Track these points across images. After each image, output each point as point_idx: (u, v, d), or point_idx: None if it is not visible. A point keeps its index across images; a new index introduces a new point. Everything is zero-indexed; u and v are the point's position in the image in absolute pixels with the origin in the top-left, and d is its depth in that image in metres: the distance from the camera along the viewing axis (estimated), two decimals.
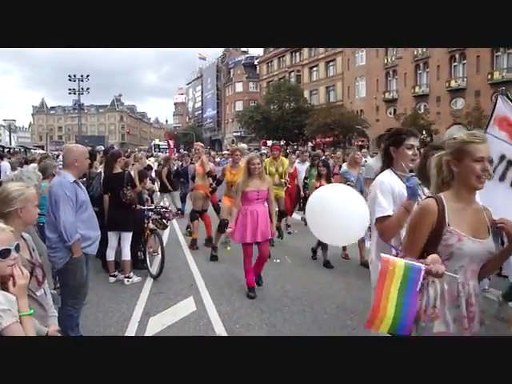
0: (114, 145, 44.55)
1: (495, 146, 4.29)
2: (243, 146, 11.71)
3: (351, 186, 7.06)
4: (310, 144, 45.59)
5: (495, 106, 4.62)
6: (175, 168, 15.02)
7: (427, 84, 40.61)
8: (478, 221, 2.45)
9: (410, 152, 3.26)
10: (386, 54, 43.52)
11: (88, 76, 60.84)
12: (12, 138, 70.03)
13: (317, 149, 32.17)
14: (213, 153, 30.56)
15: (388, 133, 3.64)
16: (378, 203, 3.12)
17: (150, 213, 7.24)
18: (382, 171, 3.39)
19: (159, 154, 42.98)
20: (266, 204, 6.24)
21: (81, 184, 4.55)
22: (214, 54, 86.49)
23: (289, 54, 58.58)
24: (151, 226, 7.19)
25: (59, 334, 2.80)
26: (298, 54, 57.12)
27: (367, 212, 3.31)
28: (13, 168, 11.74)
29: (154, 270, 7.09)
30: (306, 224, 7.98)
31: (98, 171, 7.45)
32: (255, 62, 69.88)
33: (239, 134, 64.70)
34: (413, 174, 2.98)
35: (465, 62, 37.20)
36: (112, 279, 6.83)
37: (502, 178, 4.48)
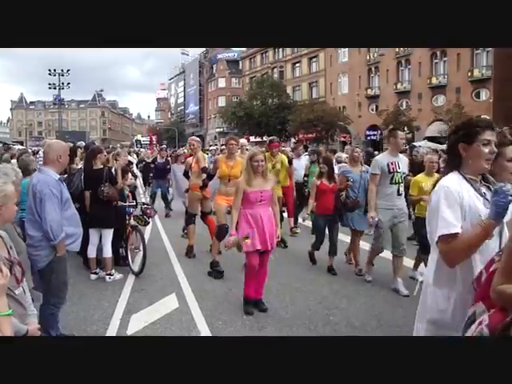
0: (95, 141, 44.08)
1: None
2: (243, 141, 10.72)
3: (352, 184, 7.06)
4: (292, 140, 45.62)
5: None
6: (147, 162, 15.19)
7: (409, 81, 40.96)
8: None
9: (486, 150, 2.50)
10: (369, 51, 43.74)
11: (68, 70, 59.83)
12: None
13: (300, 145, 32.13)
14: None
15: (456, 126, 2.79)
16: (441, 217, 2.46)
17: (132, 209, 7.18)
18: (445, 173, 2.67)
19: (141, 149, 42.65)
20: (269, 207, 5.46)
21: (62, 181, 4.49)
22: (196, 49, 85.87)
23: (272, 50, 58.52)
24: (132, 222, 7.14)
25: (39, 333, 2.77)
26: (280, 50, 57.06)
27: None
28: None
29: (135, 266, 7.04)
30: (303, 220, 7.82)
31: (79, 167, 7.36)
32: (238, 58, 69.72)
33: (222, 129, 64.53)
34: (503, 185, 2.36)
35: (445, 59, 37.61)
36: (93, 276, 6.76)
37: None
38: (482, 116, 28.86)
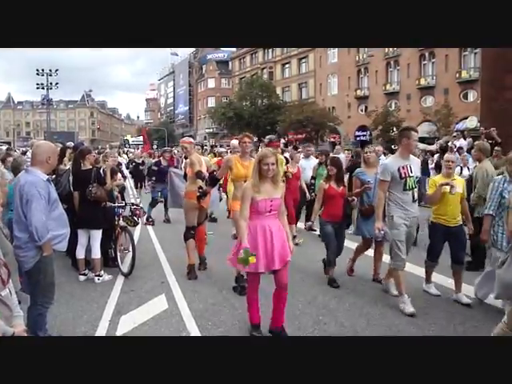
0: (83, 141, 43.77)
1: None
2: (233, 142, 10.11)
3: (371, 187, 6.30)
4: (282, 140, 45.62)
5: None
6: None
7: (398, 82, 41.21)
8: None
9: None
10: (358, 52, 43.94)
11: (57, 70, 59.43)
12: None
13: (289, 145, 32.16)
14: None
15: None
16: None
17: (121, 209, 7.15)
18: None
19: (130, 150, 42.41)
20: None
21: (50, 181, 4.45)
22: (186, 49, 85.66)
23: (261, 51, 58.55)
24: (121, 223, 7.10)
25: (26, 334, 2.74)
26: (270, 50, 57.14)
27: None
28: None
29: (125, 267, 7.01)
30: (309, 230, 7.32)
31: (67, 168, 7.31)
32: (228, 59, 69.66)
33: (211, 130, 64.49)
34: None
35: (434, 60, 37.89)
36: (82, 278, 6.72)
37: None
38: (470, 116, 28.98)
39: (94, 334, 4.81)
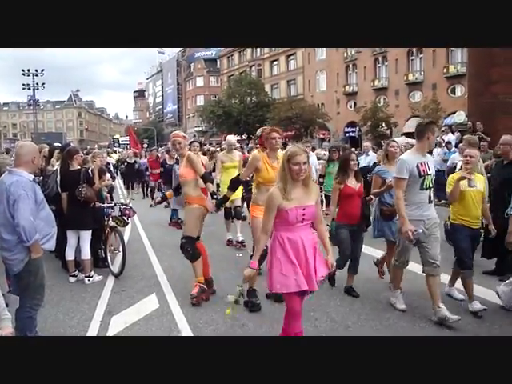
0: (71, 142, 43.47)
1: None
2: (230, 138, 9.22)
3: (391, 186, 5.61)
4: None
5: None
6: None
7: (386, 77, 41.41)
8: None
9: None
10: (346, 49, 44.06)
11: (43, 70, 58.88)
12: None
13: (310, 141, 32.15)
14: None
15: None
16: None
17: (110, 210, 7.12)
18: None
19: (119, 149, 42.19)
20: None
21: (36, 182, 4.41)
22: (173, 48, 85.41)
23: (249, 48, 58.49)
24: (111, 223, 7.07)
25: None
26: (258, 48, 57.11)
27: None
28: None
29: (115, 268, 6.98)
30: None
31: (54, 169, 7.26)
32: (216, 57, 69.52)
33: (201, 128, 64.31)
34: None
35: (422, 56, 38.14)
36: (72, 279, 6.67)
37: None
38: (458, 111, 29.07)
39: (85, 335, 4.79)
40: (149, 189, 15.97)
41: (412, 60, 39.28)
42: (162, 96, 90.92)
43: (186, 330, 4.88)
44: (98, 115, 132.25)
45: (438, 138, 16.23)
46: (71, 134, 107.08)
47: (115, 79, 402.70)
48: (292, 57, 52.12)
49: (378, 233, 6.17)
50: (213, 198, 5.70)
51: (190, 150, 8.01)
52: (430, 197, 5.01)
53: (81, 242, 6.61)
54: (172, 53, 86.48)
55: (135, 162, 17.45)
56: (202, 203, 5.74)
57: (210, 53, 71.33)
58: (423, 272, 5.10)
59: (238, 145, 11.03)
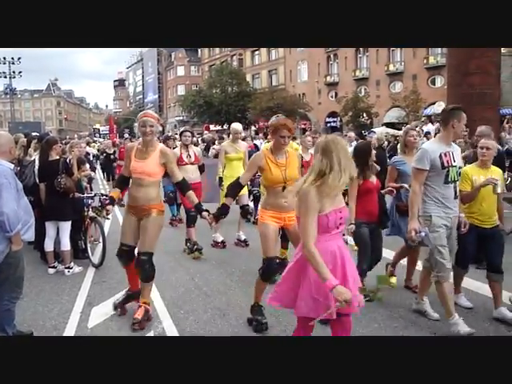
0: (50, 131, 42.79)
1: None
2: (235, 126, 8.10)
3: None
4: (253, 128, 45.65)
5: None
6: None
7: (367, 68, 41.65)
8: None
9: None
10: None
11: (20, 58, 57.66)
12: None
13: (260, 132, 32.07)
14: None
15: None
16: None
17: (90, 200, 7.04)
18: None
19: (100, 139, 41.69)
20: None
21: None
22: (173, 47, 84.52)
23: None
24: (91, 213, 7.00)
25: None
26: (257, 48, 56.88)
27: None
28: None
29: (95, 259, 6.93)
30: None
31: (32, 159, 7.15)
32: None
33: (182, 118, 63.92)
34: None
35: None
36: (52, 270, 6.61)
37: None
38: (438, 102, 29.38)
39: (65, 327, 4.75)
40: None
41: (393, 51, 39.57)
42: (143, 85, 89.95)
43: (167, 321, 4.88)
44: (77, 104, 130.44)
45: (418, 128, 16.41)
46: (50, 124, 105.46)
47: (96, 69, 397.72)
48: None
49: (393, 229, 5.59)
50: (199, 212, 4.76)
51: (180, 140, 7.83)
52: (455, 191, 4.45)
53: (60, 233, 6.54)
54: None
55: (114, 152, 17.14)
56: (162, 209, 4.98)
57: None
58: (432, 277, 4.61)
59: (243, 134, 9.62)
